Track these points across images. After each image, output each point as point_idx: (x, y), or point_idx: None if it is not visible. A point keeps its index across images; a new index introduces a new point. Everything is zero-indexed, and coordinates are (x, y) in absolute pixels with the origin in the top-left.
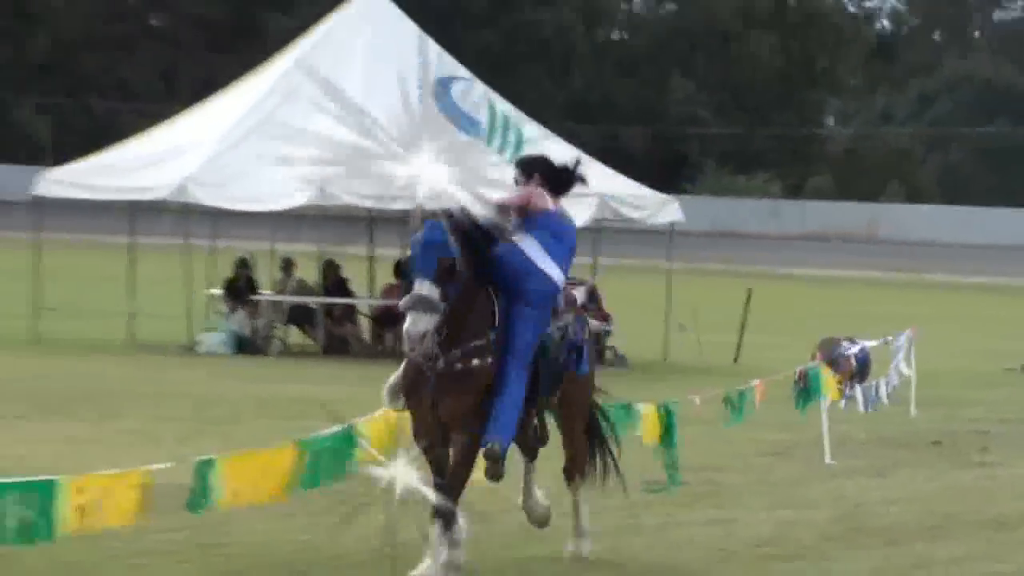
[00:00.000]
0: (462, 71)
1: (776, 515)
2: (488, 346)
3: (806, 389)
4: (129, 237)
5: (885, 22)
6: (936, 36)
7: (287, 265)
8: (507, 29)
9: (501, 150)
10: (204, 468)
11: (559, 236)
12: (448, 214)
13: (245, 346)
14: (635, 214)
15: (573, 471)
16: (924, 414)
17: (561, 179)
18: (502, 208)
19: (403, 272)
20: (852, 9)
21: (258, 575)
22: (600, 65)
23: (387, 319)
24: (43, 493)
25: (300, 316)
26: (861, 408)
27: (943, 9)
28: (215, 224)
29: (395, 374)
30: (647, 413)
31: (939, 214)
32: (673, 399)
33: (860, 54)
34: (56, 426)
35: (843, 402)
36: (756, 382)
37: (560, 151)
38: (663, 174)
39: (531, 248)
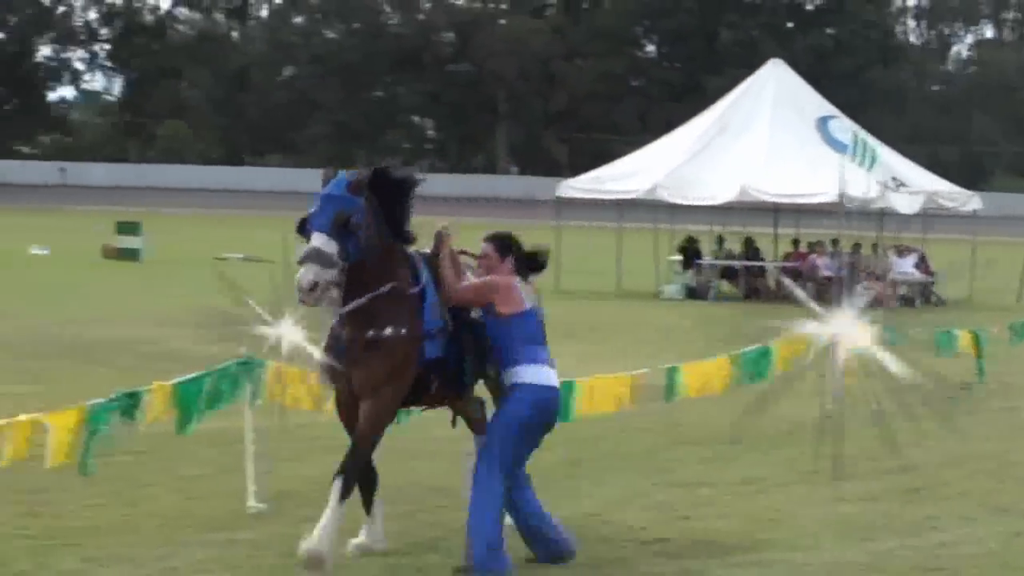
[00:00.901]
0: (835, 111)
1: None
2: (406, 313)
3: None
4: (616, 223)
5: None
6: None
7: (720, 240)
8: (863, 84)
9: (861, 164)
10: (672, 372)
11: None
12: (373, 173)
13: (692, 293)
14: (950, 204)
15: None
16: None
17: (531, 264)
18: (456, 292)
19: (302, 227)
20: None
21: (700, 436)
22: (924, 107)
23: (786, 275)
24: (564, 389)
25: (728, 273)
26: None
27: None
28: (673, 214)
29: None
30: (963, 336)
31: None
32: (982, 327)
33: None
34: (569, 346)
35: None
36: None
37: (900, 164)
38: (968, 178)
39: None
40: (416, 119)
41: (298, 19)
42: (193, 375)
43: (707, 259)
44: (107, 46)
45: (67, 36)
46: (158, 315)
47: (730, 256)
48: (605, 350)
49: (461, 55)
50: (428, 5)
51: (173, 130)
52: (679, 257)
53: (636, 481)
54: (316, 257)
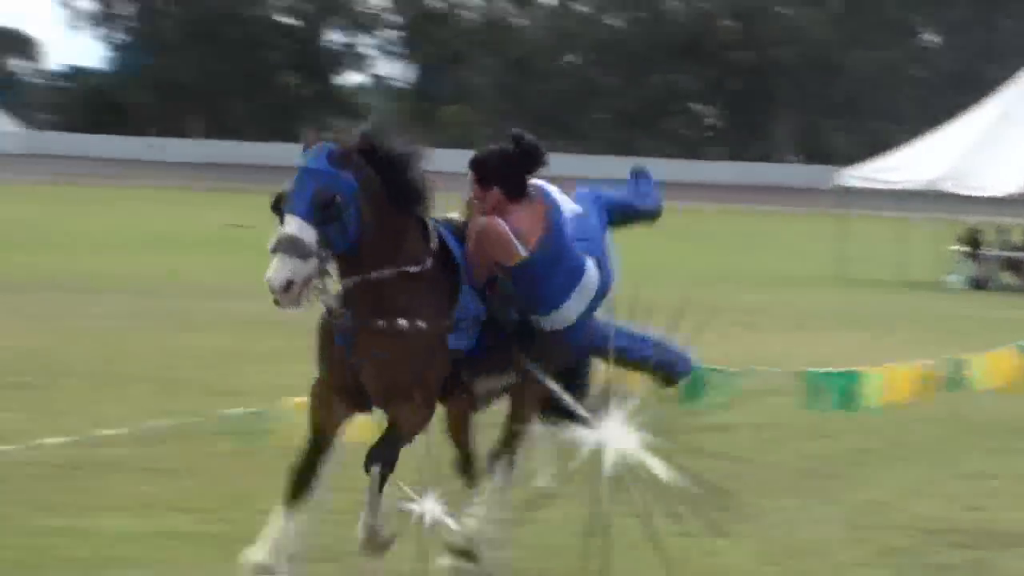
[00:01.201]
0: None
1: None
2: (423, 303)
3: None
4: (897, 213)
5: None
6: None
7: (1003, 231)
8: None
9: None
10: (957, 363)
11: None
12: (362, 138)
13: (975, 284)
14: None
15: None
16: None
17: (522, 167)
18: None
19: (276, 207)
20: None
21: (986, 427)
22: None
23: None
24: (852, 379)
25: (1011, 264)
26: None
27: None
28: (954, 204)
29: None
30: None
31: None
32: None
33: None
34: (855, 335)
35: None
36: None
37: None
38: None
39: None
40: (696, 106)
41: (581, 8)
42: None
43: (991, 250)
44: (397, 32)
45: (356, 23)
46: None
47: (1014, 248)
48: (886, 342)
49: (742, 44)
50: None
51: (460, 115)
52: (963, 248)
53: (924, 471)
54: (290, 247)
